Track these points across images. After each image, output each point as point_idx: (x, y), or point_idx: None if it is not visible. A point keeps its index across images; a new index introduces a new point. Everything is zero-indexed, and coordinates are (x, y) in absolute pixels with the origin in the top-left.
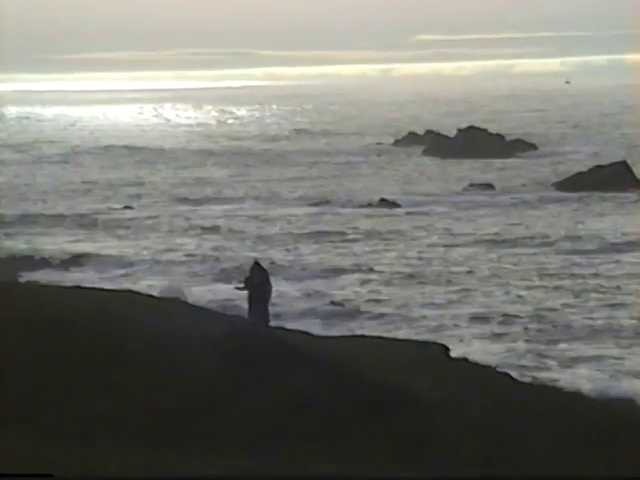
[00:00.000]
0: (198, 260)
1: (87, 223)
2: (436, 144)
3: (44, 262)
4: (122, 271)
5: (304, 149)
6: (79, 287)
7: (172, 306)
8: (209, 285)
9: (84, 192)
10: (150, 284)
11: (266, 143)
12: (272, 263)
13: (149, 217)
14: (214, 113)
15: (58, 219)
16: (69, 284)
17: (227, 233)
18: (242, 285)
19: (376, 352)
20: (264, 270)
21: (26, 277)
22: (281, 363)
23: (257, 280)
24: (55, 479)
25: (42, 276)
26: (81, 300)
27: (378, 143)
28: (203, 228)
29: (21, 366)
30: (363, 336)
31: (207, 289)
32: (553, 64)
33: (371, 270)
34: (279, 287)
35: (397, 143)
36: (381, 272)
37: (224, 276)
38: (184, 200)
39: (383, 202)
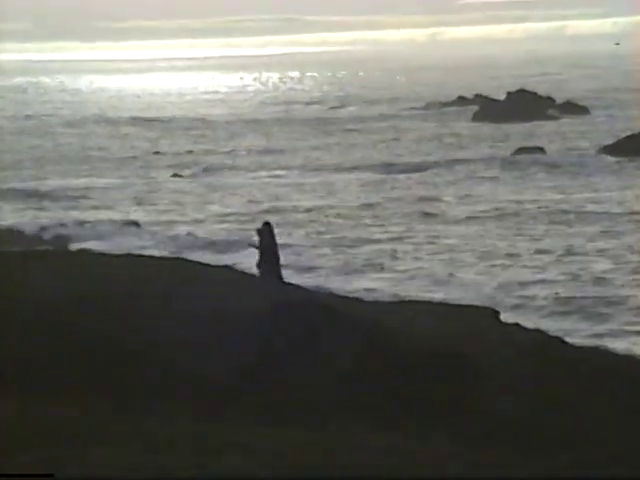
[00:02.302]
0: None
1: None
2: (485, 107)
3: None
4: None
5: (358, 115)
6: (130, 255)
7: (222, 273)
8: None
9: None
10: None
11: (325, 110)
12: None
13: None
14: (274, 80)
15: None
16: None
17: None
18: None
19: (426, 317)
20: (271, 230)
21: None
22: (331, 330)
23: (266, 241)
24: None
25: None
26: (130, 268)
27: (427, 108)
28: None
29: (81, 335)
30: (412, 301)
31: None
32: (605, 25)
33: None
34: None
35: (446, 106)
36: None
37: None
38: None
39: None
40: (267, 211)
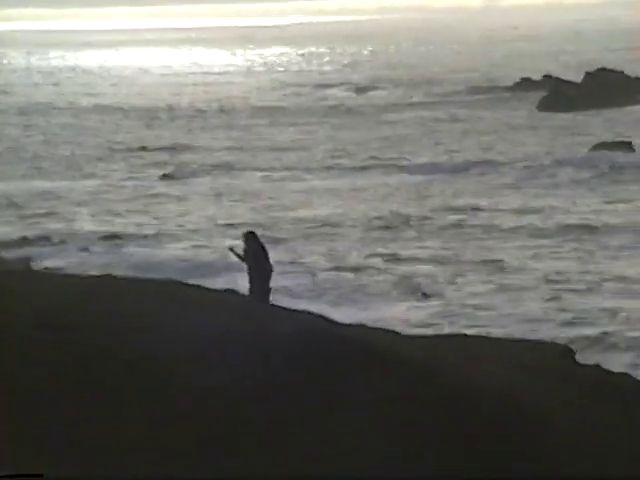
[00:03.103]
0: None
1: None
2: (556, 92)
3: None
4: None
5: (390, 102)
6: (110, 276)
7: (226, 299)
8: None
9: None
10: None
11: (349, 96)
12: None
13: None
14: (286, 57)
15: None
16: None
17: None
18: (241, 255)
19: (480, 355)
20: (258, 241)
21: None
22: (362, 369)
23: (252, 251)
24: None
25: None
26: (108, 293)
27: (480, 92)
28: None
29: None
30: (464, 335)
31: None
32: None
33: None
34: None
35: (506, 91)
36: None
37: None
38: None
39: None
40: (278, 221)
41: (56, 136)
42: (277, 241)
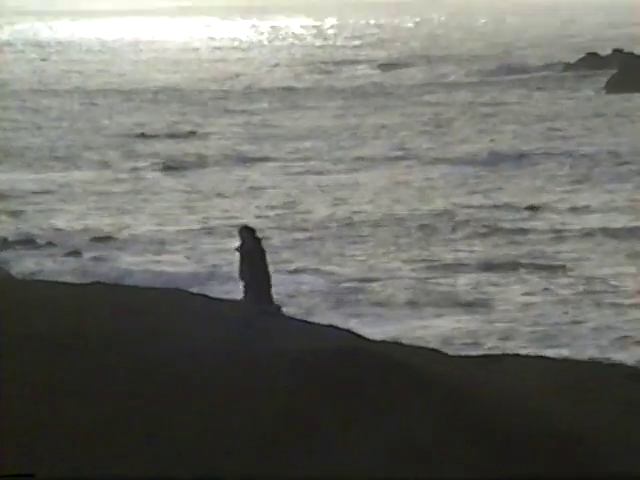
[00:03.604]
0: None
1: None
2: (628, 70)
3: None
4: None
5: (422, 81)
6: (100, 283)
7: (236, 310)
8: None
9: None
10: None
11: (374, 74)
12: None
13: None
14: (302, 29)
15: None
16: None
17: None
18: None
19: (536, 378)
20: (255, 238)
21: None
22: (396, 391)
23: (248, 247)
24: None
25: None
26: (106, 303)
27: (533, 70)
28: None
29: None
30: (516, 355)
31: None
32: None
33: None
34: None
35: (568, 69)
36: None
37: None
38: None
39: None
40: (296, 222)
41: (43, 122)
42: (294, 245)
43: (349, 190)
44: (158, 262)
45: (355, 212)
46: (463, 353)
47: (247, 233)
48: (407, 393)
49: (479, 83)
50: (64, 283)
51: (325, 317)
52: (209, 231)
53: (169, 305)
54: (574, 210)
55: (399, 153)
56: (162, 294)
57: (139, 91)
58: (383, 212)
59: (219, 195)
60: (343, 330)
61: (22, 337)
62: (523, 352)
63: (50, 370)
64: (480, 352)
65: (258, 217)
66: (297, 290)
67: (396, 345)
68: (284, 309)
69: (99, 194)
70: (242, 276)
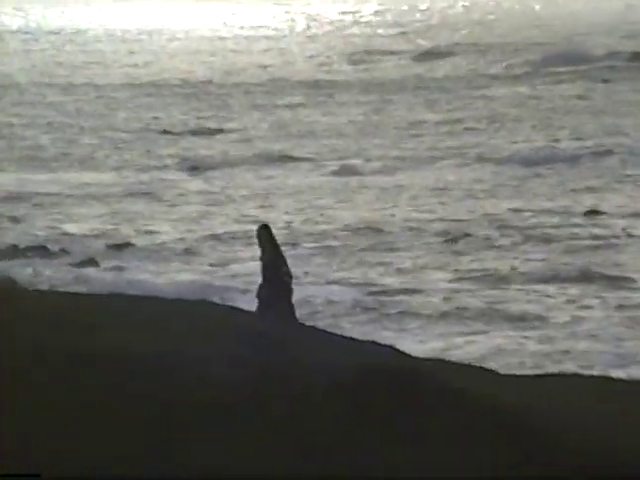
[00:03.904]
0: None
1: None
2: None
3: None
4: None
5: (468, 73)
6: (119, 294)
7: (265, 322)
8: None
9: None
10: None
11: (409, 64)
12: None
13: None
14: (332, 15)
15: None
16: None
17: None
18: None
19: (597, 402)
20: (273, 238)
21: None
22: (449, 417)
23: (266, 250)
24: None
25: None
26: (126, 315)
27: (587, 60)
28: None
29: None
30: (576, 375)
31: None
32: None
33: None
34: None
35: (634, 59)
36: None
37: None
38: None
39: None
40: (327, 230)
41: (55, 118)
42: (328, 253)
43: (388, 192)
44: (181, 271)
45: (394, 216)
46: (516, 372)
47: (264, 233)
48: (458, 417)
49: (534, 74)
50: (81, 294)
51: (363, 332)
52: (234, 236)
53: (194, 317)
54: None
55: (444, 152)
56: (187, 306)
57: (161, 84)
58: (425, 217)
59: (247, 197)
60: (384, 346)
61: (38, 352)
62: (584, 372)
63: (67, 384)
64: (535, 371)
65: (288, 223)
66: (330, 301)
67: (442, 363)
68: (317, 323)
69: (117, 197)
70: (262, 282)
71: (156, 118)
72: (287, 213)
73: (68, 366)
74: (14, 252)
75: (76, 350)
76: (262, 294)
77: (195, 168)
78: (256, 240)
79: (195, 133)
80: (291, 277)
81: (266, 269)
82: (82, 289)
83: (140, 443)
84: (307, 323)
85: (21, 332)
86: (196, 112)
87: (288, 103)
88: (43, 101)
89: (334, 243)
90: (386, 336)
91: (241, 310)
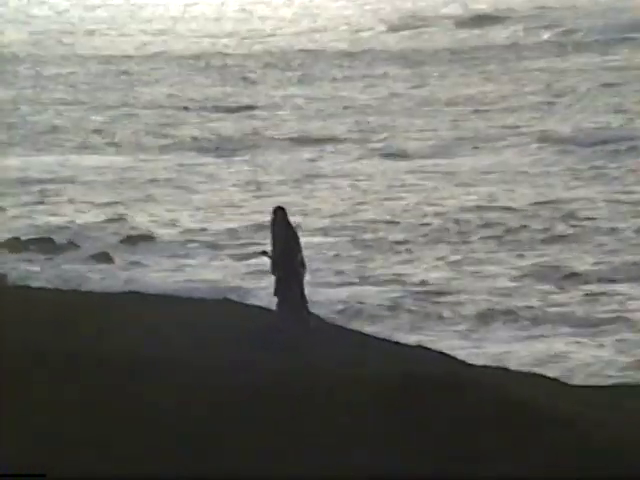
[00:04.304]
0: None
1: None
2: None
3: None
4: None
5: (529, 40)
6: (135, 292)
7: (295, 324)
8: None
9: None
10: None
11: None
12: None
13: None
14: None
15: None
16: None
17: None
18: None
19: None
20: (288, 222)
21: None
22: (515, 432)
23: (280, 236)
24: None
25: None
26: (143, 315)
27: None
28: None
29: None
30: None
31: None
32: None
33: None
34: None
35: None
36: None
37: None
38: None
39: None
40: (370, 222)
41: (63, 94)
42: (372, 247)
43: (438, 178)
44: (203, 266)
45: (446, 205)
46: (586, 382)
47: (281, 215)
48: (525, 432)
49: (606, 42)
50: (94, 293)
51: (411, 336)
52: (263, 228)
53: (217, 317)
54: None
55: (499, 131)
56: (209, 305)
57: (179, 56)
58: (483, 206)
59: (279, 183)
60: (435, 352)
61: (53, 353)
62: None
63: (82, 385)
64: (608, 381)
65: (328, 214)
66: (374, 302)
67: (502, 371)
68: (360, 325)
69: (132, 182)
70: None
71: (175, 94)
72: (331, 203)
73: (87, 366)
74: (14, 245)
75: (80, 354)
76: (278, 288)
77: (220, 150)
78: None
79: (220, 111)
80: (304, 267)
81: (279, 257)
82: (92, 287)
83: (141, 444)
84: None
85: (19, 334)
86: (220, 86)
87: (321, 76)
88: (46, 74)
89: (381, 235)
90: (436, 339)
91: (260, 308)
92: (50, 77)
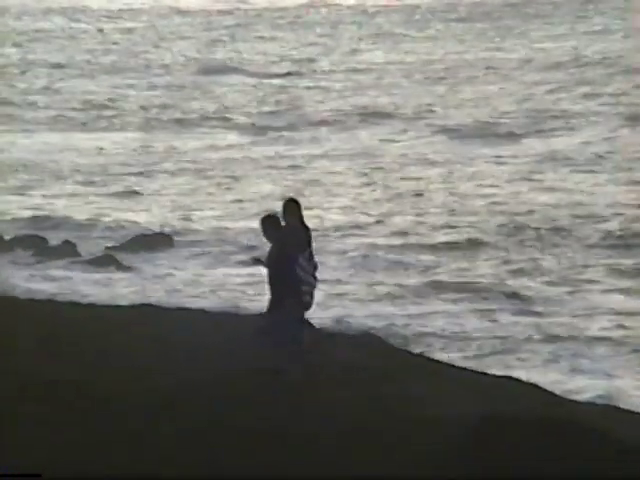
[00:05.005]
0: None
1: None
2: None
3: None
4: None
5: None
6: (149, 305)
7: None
8: None
9: None
10: None
11: None
12: None
13: None
14: None
15: None
16: None
17: None
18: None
19: None
20: (300, 218)
21: None
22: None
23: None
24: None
25: None
26: (157, 331)
27: None
28: None
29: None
30: None
31: None
32: None
33: None
34: None
35: None
36: None
37: None
38: None
39: None
40: (451, 219)
41: (63, 58)
42: (447, 256)
43: (522, 163)
44: (226, 275)
45: (534, 201)
46: None
47: (291, 206)
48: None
49: None
50: (101, 306)
51: (496, 364)
52: (320, 228)
53: (242, 333)
54: None
55: (581, 106)
56: (233, 319)
57: (199, 9)
58: (575, 201)
59: (328, 173)
60: (528, 384)
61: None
62: None
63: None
64: None
65: (387, 214)
66: (452, 326)
67: (616, 411)
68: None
69: (144, 168)
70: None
71: (200, 55)
72: (384, 194)
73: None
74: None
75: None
76: (270, 307)
77: (256, 127)
78: (336, 232)
79: (257, 76)
80: (316, 267)
81: (274, 264)
82: (94, 300)
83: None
84: None
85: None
86: (251, 47)
87: (389, 31)
88: (47, 31)
89: (457, 237)
90: (527, 367)
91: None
92: (49, 33)
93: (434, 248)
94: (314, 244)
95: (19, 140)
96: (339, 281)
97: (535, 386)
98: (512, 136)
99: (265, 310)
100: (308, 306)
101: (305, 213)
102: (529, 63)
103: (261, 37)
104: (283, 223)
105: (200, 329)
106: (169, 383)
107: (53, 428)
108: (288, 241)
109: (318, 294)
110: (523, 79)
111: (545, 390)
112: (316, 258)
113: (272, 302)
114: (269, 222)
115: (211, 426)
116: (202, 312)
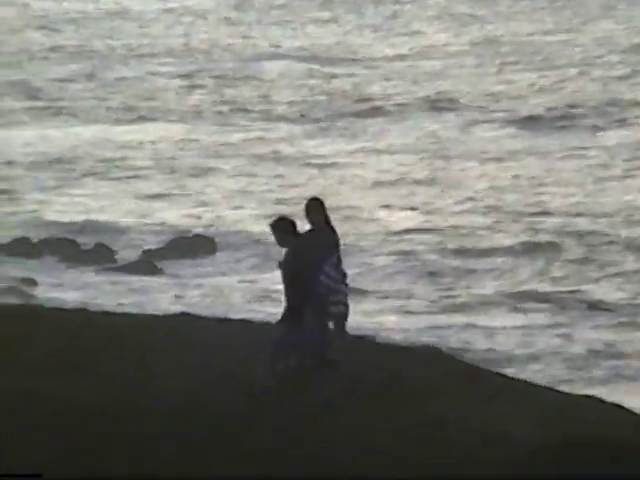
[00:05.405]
0: None
1: None
2: None
3: None
4: None
5: None
6: (186, 314)
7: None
8: None
9: None
10: None
11: None
12: None
13: None
14: None
15: None
16: None
17: None
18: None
19: None
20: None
21: None
22: None
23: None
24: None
25: None
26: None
27: None
28: None
29: None
30: None
31: None
32: None
33: None
34: None
35: None
36: None
37: None
38: None
39: None
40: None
41: (71, 41)
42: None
43: (603, 158)
44: (264, 279)
45: (619, 201)
46: None
47: (315, 205)
48: None
49: None
50: (134, 315)
51: (575, 385)
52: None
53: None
54: None
55: None
56: (270, 328)
57: None
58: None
59: (384, 171)
60: (610, 405)
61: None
62: None
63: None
64: None
65: (453, 214)
66: (526, 337)
67: None
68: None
69: (173, 161)
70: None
71: (238, 38)
72: (454, 197)
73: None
74: (22, 248)
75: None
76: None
77: (305, 118)
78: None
79: (309, 60)
80: (345, 275)
81: (290, 270)
82: (129, 309)
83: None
84: None
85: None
86: (302, 31)
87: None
88: (54, 13)
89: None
90: (612, 388)
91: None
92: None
93: (506, 251)
94: (342, 246)
95: (50, 133)
96: (400, 291)
97: (619, 406)
98: (592, 127)
99: (279, 320)
100: (343, 317)
101: (363, 215)
102: (608, 45)
103: (314, 20)
104: (307, 225)
105: (243, 341)
106: (207, 397)
107: (96, 449)
108: (311, 245)
109: (385, 303)
110: (602, 62)
111: (629, 411)
112: (374, 260)
113: (288, 312)
114: (282, 226)
115: (247, 432)
116: (245, 323)
